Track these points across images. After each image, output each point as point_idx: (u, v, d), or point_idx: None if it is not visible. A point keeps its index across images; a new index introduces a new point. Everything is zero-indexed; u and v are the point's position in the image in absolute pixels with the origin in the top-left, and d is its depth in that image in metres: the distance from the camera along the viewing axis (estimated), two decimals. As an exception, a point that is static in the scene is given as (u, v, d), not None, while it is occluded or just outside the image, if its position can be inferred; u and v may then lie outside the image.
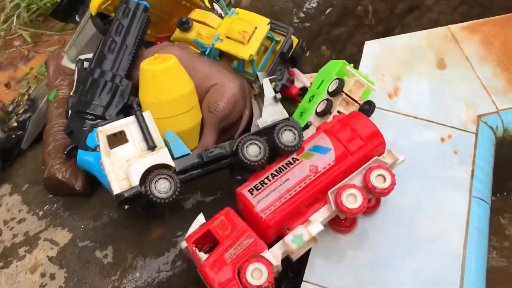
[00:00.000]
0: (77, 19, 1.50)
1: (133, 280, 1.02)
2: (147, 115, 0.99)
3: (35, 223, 1.12)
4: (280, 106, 1.02)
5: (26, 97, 1.34)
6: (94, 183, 1.13)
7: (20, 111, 1.30)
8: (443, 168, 1.12)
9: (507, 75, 1.26)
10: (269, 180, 0.96)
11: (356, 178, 0.97)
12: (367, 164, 0.97)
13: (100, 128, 0.96)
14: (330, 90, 1.12)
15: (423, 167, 1.12)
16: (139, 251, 1.05)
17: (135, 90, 1.12)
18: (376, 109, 1.13)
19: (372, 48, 1.32)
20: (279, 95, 1.02)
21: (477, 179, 1.11)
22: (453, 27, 1.34)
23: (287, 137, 0.97)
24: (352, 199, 0.93)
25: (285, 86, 1.21)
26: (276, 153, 0.99)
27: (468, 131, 1.17)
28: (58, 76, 1.26)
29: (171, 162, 0.94)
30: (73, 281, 1.03)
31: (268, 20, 1.17)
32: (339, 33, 1.36)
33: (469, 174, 1.11)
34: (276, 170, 0.97)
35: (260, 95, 1.05)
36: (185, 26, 1.22)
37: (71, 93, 1.19)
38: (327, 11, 1.33)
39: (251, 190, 0.95)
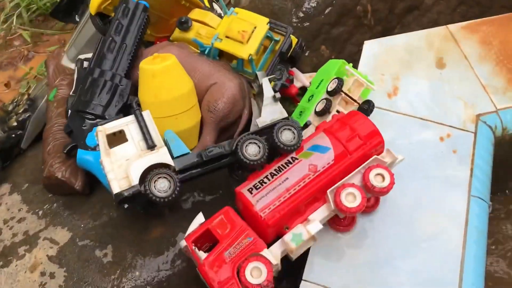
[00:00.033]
0: (77, 19, 1.51)
1: (132, 279, 1.02)
2: (146, 114, 0.99)
3: (34, 222, 1.12)
4: (279, 105, 1.02)
5: (26, 96, 1.34)
6: (93, 183, 1.13)
7: (20, 111, 1.30)
8: (442, 167, 1.12)
9: (506, 74, 1.26)
10: (269, 179, 0.96)
11: (355, 177, 0.97)
12: (366, 163, 0.97)
13: (99, 128, 0.97)
14: (329, 89, 1.12)
15: (422, 167, 1.12)
16: (138, 250, 1.05)
17: (134, 90, 1.12)
18: (375, 108, 1.13)
19: (371, 48, 1.32)
20: (278, 95, 1.02)
21: (476, 178, 1.11)
22: (452, 26, 1.35)
23: (286, 137, 0.98)
24: (351, 198, 0.94)
25: (285, 85, 1.22)
26: (275, 152, 0.99)
27: (467, 131, 1.17)
28: (58, 76, 1.27)
29: (170, 161, 0.95)
30: (72, 280, 1.03)
31: (267, 19, 1.17)
32: (338, 32, 1.36)
33: (468, 173, 1.11)
34: (275, 169, 0.97)
35: (260, 94, 1.05)
36: (185, 25, 1.22)
37: (71, 93, 1.19)
38: (327, 11, 1.33)
39: (250, 189, 0.96)
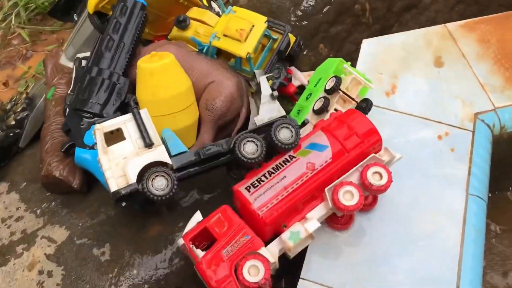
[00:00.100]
0: (75, 18, 1.50)
1: (130, 278, 1.02)
2: (144, 112, 0.99)
3: (32, 221, 1.12)
4: (277, 103, 1.02)
5: (24, 95, 1.34)
6: (91, 181, 1.13)
7: (18, 110, 1.30)
8: (440, 165, 1.12)
9: (504, 73, 1.26)
10: (266, 178, 0.96)
11: (353, 176, 0.97)
12: (364, 161, 0.97)
13: (97, 126, 0.97)
14: (327, 88, 1.12)
15: (420, 165, 1.12)
16: (136, 248, 1.05)
17: (132, 88, 1.12)
18: (373, 107, 1.14)
19: (369, 46, 1.32)
20: (276, 93, 1.02)
21: (474, 176, 1.11)
22: (451, 25, 1.35)
23: (284, 135, 0.98)
24: (349, 196, 0.94)
25: (283, 84, 1.22)
26: (273, 151, 0.99)
27: (465, 129, 1.18)
28: (56, 75, 1.26)
29: (168, 160, 0.95)
30: (70, 278, 1.03)
31: (265, 18, 1.17)
32: (336, 31, 1.36)
33: (466, 172, 1.12)
34: (273, 168, 0.97)
35: (257, 93, 1.05)
36: (183, 24, 1.22)
37: (69, 91, 1.19)
38: (325, 10, 1.33)
39: (248, 188, 0.96)
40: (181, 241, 0.93)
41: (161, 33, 1.32)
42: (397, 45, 1.32)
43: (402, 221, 1.06)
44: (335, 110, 1.12)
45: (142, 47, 1.21)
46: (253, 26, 1.15)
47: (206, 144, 1.00)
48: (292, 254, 0.94)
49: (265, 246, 0.92)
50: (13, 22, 1.69)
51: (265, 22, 1.17)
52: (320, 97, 1.13)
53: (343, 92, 1.13)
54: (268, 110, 1.02)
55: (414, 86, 1.25)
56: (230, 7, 1.20)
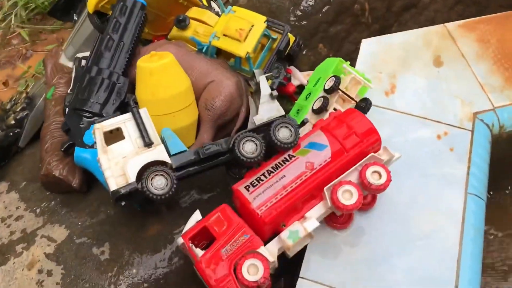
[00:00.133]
0: (75, 18, 1.51)
1: (130, 277, 1.02)
2: (143, 112, 0.99)
3: (32, 220, 1.12)
4: (276, 103, 1.03)
5: (24, 95, 1.34)
6: (91, 180, 1.13)
7: (18, 109, 1.30)
8: (439, 165, 1.13)
9: (503, 72, 1.26)
10: (266, 177, 0.96)
11: (352, 175, 0.97)
12: (363, 160, 0.97)
13: (97, 125, 0.97)
14: (326, 87, 1.12)
15: (419, 164, 1.12)
16: (136, 247, 1.05)
17: (132, 88, 1.13)
18: (372, 106, 1.14)
19: (369, 46, 1.32)
20: (275, 92, 1.02)
21: (473, 176, 1.11)
22: (450, 25, 1.35)
23: (283, 134, 0.98)
24: (348, 196, 0.94)
25: (282, 83, 1.22)
26: (273, 150, 0.99)
27: (464, 129, 1.18)
28: (56, 74, 1.27)
29: (167, 159, 0.95)
30: (70, 277, 1.03)
31: (265, 18, 1.18)
32: (336, 31, 1.36)
33: (465, 171, 1.12)
34: (272, 167, 0.97)
35: (257, 92, 1.05)
36: (182, 24, 1.22)
37: (69, 91, 1.19)
38: (324, 9, 1.33)
39: (247, 187, 0.96)
40: (180, 240, 0.94)
41: (160, 33, 1.32)
42: (397, 45, 1.32)
43: (401, 220, 1.06)
44: (335, 109, 1.12)
45: (142, 47, 1.21)
46: (252, 26, 1.15)
47: (205, 143, 1.00)
48: (291, 253, 0.94)
49: (264, 245, 0.92)
50: (13, 21, 1.69)
51: (264, 22, 1.17)
52: (320, 97, 1.13)
53: (343, 91, 1.13)
54: (267, 109, 1.02)
55: (413, 85, 1.25)
56: (229, 7, 1.20)
